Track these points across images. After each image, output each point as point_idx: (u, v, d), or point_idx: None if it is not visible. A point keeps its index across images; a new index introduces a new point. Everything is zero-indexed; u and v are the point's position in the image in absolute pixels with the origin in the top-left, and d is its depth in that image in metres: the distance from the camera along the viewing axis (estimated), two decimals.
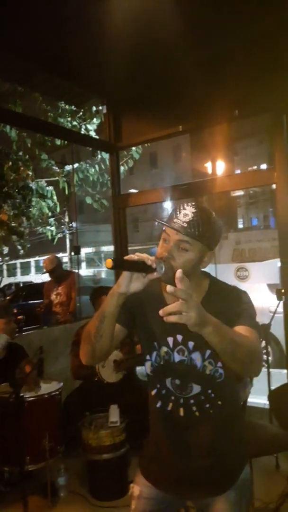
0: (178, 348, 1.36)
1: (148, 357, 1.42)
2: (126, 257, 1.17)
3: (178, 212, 1.26)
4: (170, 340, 1.36)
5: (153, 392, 1.44)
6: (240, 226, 21.84)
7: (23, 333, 3.91)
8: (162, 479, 1.48)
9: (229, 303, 1.32)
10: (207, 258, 1.33)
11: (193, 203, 1.28)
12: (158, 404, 1.43)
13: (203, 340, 1.14)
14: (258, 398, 3.64)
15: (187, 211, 1.25)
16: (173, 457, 1.44)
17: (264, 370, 3.37)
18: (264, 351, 3.37)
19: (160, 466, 1.49)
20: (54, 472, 2.89)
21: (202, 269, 1.37)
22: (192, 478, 1.43)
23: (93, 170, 6.42)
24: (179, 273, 1.05)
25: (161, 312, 1.05)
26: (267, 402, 3.29)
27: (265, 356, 3.40)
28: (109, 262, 1.11)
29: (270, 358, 3.47)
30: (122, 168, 5.99)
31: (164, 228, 1.29)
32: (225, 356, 1.14)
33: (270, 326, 3.35)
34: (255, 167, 20.84)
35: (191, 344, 1.34)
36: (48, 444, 2.61)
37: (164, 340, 1.36)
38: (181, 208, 1.27)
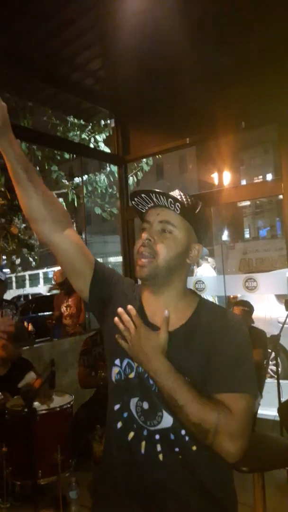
0: None
1: (117, 361, 1.12)
2: None
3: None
4: None
5: (116, 407, 1.11)
6: (247, 236, 21.80)
7: (34, 346, 3.94)
8: None
9: (219, 337, 1.04)
10: (195, 252, 1.09)
11: (180, 190, 1.12)
12: (119, 425, 1.09)
13: None
14: (268, 410, 3.62)
15: (170, 193, 1.07)
16: (127, 504, 1.08)
17: (273, 381, 3.36)
18: (274, 362, 3.36)
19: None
20: (65, 485, 2.88)
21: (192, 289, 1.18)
22: None
23: (102, 180, 6.48)
24: (166, 311, 1.00)
25: (120, 310, 1.00)
26: (278, 414, 3.27)
27: (274, 368, 3.39)
28: None
29: (279, 369, 3.45)
30: (131, 179, 6.05)
31: (144, 217, 1.10)
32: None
33: (279, 337, 3.35)
34: (260, 177, 20.88)
35: None
36: (60, 458, 2.60)
37: None
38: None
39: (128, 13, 2.87)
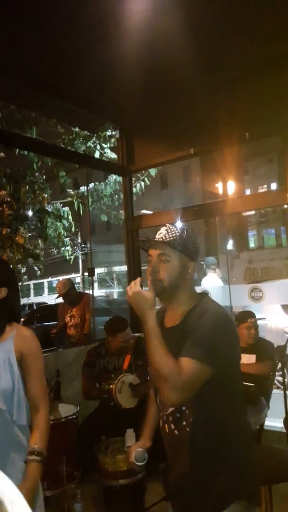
0: None
1: None
2: None
3: (155, 234, 1.48)
4: None
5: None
6: (252, 245, 21.76)
7: None
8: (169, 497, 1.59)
9: (195, 325, 1.36)
10: (191, 270, 1.45)
11: (168, 224, 1.48)
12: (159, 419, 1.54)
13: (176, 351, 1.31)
14: (275, 421, 3.58)
15: (161, 231, 1.46)
16: (168, 474, 1.51)
17: (280, 392, 3.32)
18: (280, 372, 3.33)
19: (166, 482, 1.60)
20: (70, 497, 2.86)
21: (204, 292, 1.54)
22: (177, 498, 1.48)
23: (107, 189, 6.51)
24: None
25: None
26: (284, 426, 3.23)
27: (280, 378, 3.36)
28: None
29: (286, 380, 3.42)
30: (138, 185, 6.06)
31: (147, 252, 1.50)
32: None
33: (286, 347, 3.32)
34: (265, 186, 20.91)
35: None
36: (65, 469, 2.58)
37: None
38: (157, 231, 1.49)
39: (133, 26, 2.91)
